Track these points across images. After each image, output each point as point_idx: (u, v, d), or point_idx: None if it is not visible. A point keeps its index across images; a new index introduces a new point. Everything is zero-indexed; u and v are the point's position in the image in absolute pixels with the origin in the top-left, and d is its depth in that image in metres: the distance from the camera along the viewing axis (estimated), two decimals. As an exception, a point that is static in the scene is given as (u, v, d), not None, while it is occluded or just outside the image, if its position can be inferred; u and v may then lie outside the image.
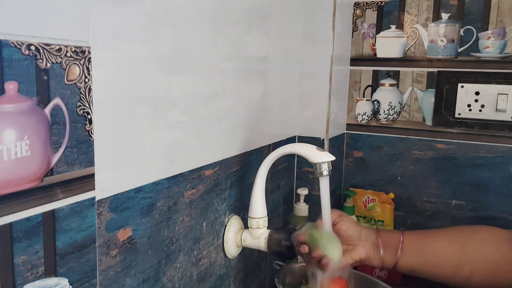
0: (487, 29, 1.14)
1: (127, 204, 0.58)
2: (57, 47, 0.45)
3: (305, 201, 1.08)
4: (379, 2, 1.23)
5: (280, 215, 1.09)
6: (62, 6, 0.45)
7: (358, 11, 1.26)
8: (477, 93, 1.16)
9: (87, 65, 0.49)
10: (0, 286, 0.42)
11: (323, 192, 0.78)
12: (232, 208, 0.86)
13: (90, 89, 0.49)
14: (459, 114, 1.18)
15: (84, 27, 0.48)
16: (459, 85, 1.18)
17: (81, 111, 0.49)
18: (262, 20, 0.91)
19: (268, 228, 0.83)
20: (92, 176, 0.51)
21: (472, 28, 1.15)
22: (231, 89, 0.81)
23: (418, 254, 0.77)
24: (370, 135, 1.28)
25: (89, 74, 0.49)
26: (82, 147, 0.49)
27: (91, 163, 0.50)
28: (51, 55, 0.45)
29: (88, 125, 0.50)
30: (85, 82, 0.49)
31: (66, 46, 0.46)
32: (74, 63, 0.47)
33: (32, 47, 0.43)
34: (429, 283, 0.81)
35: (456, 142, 1.19)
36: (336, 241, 0.74)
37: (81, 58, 0.48)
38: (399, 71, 1.24)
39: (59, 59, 0.45)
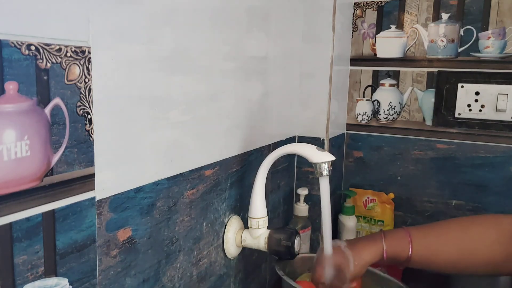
0: (487, 29, 1.14)
1: (127, 204, 0.58)
2: (57, 47, 0.45)
3: (305, 201, 1.08)
4: (379, 2, 1.23)
5: (280, 215, 1.09)
6: (62, 6, 0.45)
7: (358, 11, 1.26)
8: (477, 93, 1.16)
9: (87, 65, 0.49)
10: (0, 286, 0.42)
11: (323, 192, 0.78)
12: (232, 208, 0.86)
13: (90, 89, 0.49)
14: (459, 114, 1.18)
15: (84, 27, 0.48)
16: (459, 85, 1.18)
17: (81, 111, 0.49)
18: (262, 20, 0.91)
19: (268, 228, 0.83)
20: (92, 176, 0.51)
21: (472, 28, 1.15)
22: (231, 89, 0.81)
23: (423, 264, 0.77)
24: (370, 135, 1.28)
25: (89, 74, 0.49)
26: (82, 147, 0.49)
27: (91, 163, 0.50)
28: (51, 55, 0.45)
29: (88, 125, 0.50)
30: (85, 82, 0.49)
31: (66, 46, 0.46)
32: (74, 63, 0.47)
33: (32, 47, 0.43)
34: (429, 282, 0.81)
35: (456, 142, 1.19)
36: None
37: (81, 58, 0.48)
38: (399, 71, 1.24)
39: (59, 59, 0.45)
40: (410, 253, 0.75)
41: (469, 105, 1.17)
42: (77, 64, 0.47)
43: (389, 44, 1.23)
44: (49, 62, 0.44)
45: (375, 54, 1.25)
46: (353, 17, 1.26)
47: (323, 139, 1.13)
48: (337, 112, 1.21)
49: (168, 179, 0.66)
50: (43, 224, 0.45)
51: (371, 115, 1.28)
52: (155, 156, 0.63)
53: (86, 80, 0.49)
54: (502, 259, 0.73)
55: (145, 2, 0.58)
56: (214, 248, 0.80)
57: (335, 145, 1.23)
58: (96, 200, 0.52)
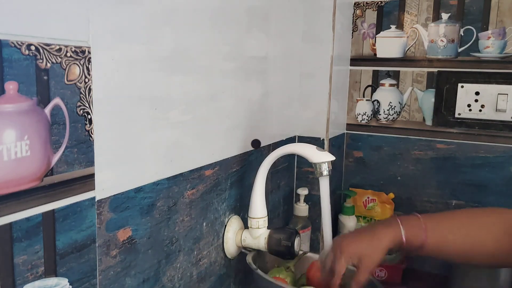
0: (487, 29, 1.14)
1: (127, 204, 0.58)
2: (57, 47, 0.45)
3: (305, 201, 1.08)
4: (379, 2, 1.23)
5: (280, 215, 1.09)
6: (62, 6, 0.45)
7: (358, 11, 1.26)
8: (477, 93, 1.16)
9: (87, 65, 0.49)
10: (0, 286, 0.42)
11: (323, 192, 0.78)
12: (232, 208, 0.86)
13: (90, 89, 0.49)
14: (459, 114, 1.18)
15: (84, 27, 0.48)
16: (459, 85, 1.18)
17: (81, 111, 0.49)
18: (262, 20, 0.91)
19: (268, 228, 0.83)
20: (92, 176, 0.51)
21: (472, 28, 1.15)
22: (231, 89, 0.81)
23: (435, 252, 0.77)
24: (370, 135, 1.28)
25: (89, 74, 0.49)
26: (82, 147, 0.49)
27: (91, 163, 0.50)
28: (51, 55, 0.45)
29: (88, 125, 0.50)
30: (85, 82, 0.49)
31: (66, 46, 0.46)
32: (74, 63, 0.47)
33: (32, 47, 0.43)
34: (429, 282, 0.81)
35: (456, 142, 1.19)
36: None
37: (81, 58, 0.48)
38: (399, 71, 1.24)
39: (59, 59, 0.45)
40: (425, 239, 0.74)
41: (469, 105, 1.17)
42: (77, 64, 0.47)
43: (389, 44, 1.23)
44: (49, 62, 0.44)
45: (375, 54, 1.25)
46: (353, 17, 1.26)
47: (323, 139, 1.13)
48: (337, 112, 1.21)
49: (168, 179, 0.66)
50: (43, 224, 0.45)
51: (371, 115, 1.27)
52: (155, 156, 0.63)
53: (86, 80, 0.49)
54: (509, 250, 0.73)
55: (145, 2, 0.58)
56: (214, 248, 0.80)
57: (335, 145, 1.23)
58: (96, 200, 0.52)
